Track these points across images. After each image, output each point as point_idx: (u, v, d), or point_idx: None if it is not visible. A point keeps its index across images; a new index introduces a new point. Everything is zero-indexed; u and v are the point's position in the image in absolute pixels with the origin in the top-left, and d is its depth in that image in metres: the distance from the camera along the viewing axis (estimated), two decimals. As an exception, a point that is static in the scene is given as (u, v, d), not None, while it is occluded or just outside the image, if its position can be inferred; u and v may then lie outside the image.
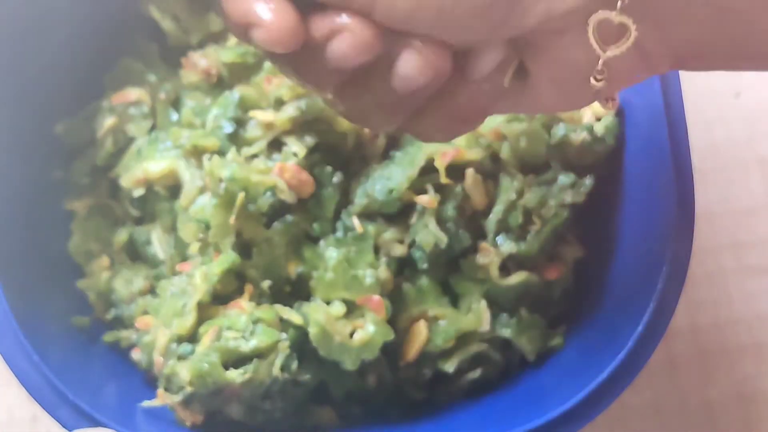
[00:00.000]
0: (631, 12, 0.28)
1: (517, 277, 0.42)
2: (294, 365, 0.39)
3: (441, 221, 0.41)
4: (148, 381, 0.43)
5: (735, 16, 0.29)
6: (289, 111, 0.41)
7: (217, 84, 0.44)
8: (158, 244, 0.44)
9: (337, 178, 0.41)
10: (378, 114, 0.32)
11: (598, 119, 0.42)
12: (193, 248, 0.41)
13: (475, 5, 0.28)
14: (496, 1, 0.28)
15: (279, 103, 0.42)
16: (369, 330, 0.39)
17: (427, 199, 0.41)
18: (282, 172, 0.40)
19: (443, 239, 0.40)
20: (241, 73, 0.44)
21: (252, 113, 0.42)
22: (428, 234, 0.41)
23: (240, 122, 0.42)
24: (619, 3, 0.28)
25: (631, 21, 0.28)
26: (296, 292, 0.41)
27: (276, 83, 0.42)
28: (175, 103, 0.45)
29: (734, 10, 0.28)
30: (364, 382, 0.42)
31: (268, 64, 0.43)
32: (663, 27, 0.29)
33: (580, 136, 0.42)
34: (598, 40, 0.29)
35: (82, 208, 0.45)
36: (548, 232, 0.42)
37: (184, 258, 0.42)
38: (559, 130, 0.42)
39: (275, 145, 0.42)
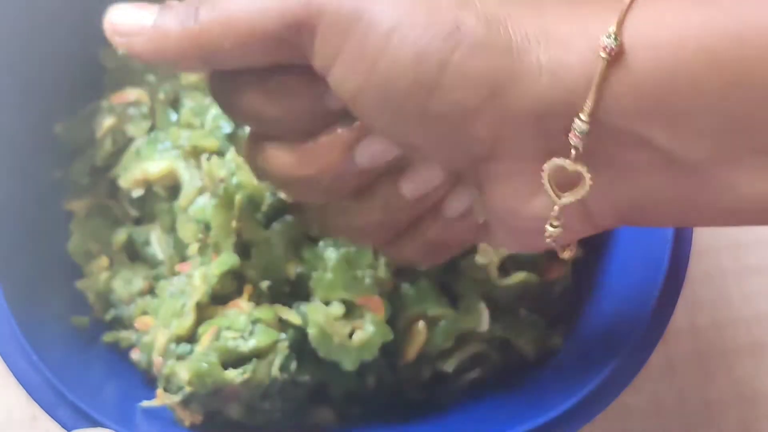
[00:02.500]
0: (586, 162, 0.28)
1: (516, 277, 0.42)
2: (293, 365, 0.39)
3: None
4: (148, 381, 0.43)
5: (687, 169, 0.27)
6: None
7: (217, 84, 0.44)
8: (157, 244, 0.44)
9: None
10: (360, 236, 0.35)
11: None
12: (193, 249, 0.41)
13: (423, 112, 0.28)
14: (444, 118, 0.28)
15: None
16: (368, 330, 0.39)
17: None
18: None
19: None
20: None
21: None
22: None
23: (239, 122, 0.42)
24: (573, 151, 0.27)
25: (586, 170, 0.28)
26: (295, 292, 0.41)
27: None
28: (174, 104, 0.45)
29: (686, 163, 0.27)
30: (363, 383, 0.42)
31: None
32: (612, 181, 0.28)
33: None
34: (554, 187, 0.29)
35: (81, 208, 0.45)
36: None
37: (184, 258, 0.42)
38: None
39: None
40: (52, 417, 0.38)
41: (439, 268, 0.42)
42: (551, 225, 0.29)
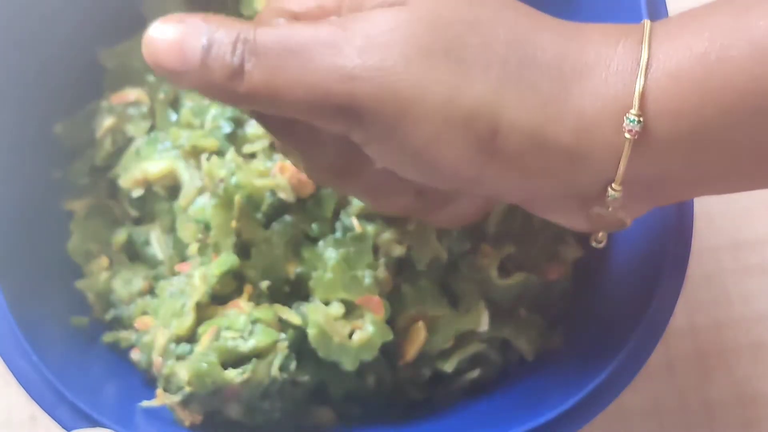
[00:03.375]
0: (622, 209, 0.31)
1: (516, 278, 0.42)
2: (293, 365, 0.39)
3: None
4: (148, 381, 0.43)
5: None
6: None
7: (216, 84, 0.44)
8: (157, 244, 0.44)
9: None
10: (407, 213, 0.37)
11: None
12: (192, 249, 0.41)
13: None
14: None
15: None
16: (368, 330, 0.39)
17: None
18: (282, 171, 0.40)
19: (444, 256, 0.41)
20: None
21: None
22: (427, 247, 0.41)
23: (239, 122, 0.42)
24: (609, 207, 0.30)
25: (623, 215, 0.31)
26: (295, 292, 0.41)
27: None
28: (174, 104, 0.45)
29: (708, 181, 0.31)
30: (363, 383, 0.42)
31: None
32: (649, 199, 0.32)
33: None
34: (594, 222, 0.32)
35: (81, 208, 0.45)
36: (547, 233, 0.42)
37: (183, 258, 0.42)
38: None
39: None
40: (52, 417, 0.38)
41: (439, 268, 0.42)
42: (596, 241, 0.33)
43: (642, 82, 0.28)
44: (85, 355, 0.43)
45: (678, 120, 0.28)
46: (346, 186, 0.35)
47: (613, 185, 0.29)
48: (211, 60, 0.29)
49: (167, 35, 0.29)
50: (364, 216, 0.41)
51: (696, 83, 0.28)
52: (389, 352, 0.41)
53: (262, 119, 0.34)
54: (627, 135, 0.28)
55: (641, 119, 0.28)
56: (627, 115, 0.28)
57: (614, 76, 0.28)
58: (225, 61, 0.28)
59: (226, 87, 0.29)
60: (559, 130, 0.28)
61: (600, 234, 0.32)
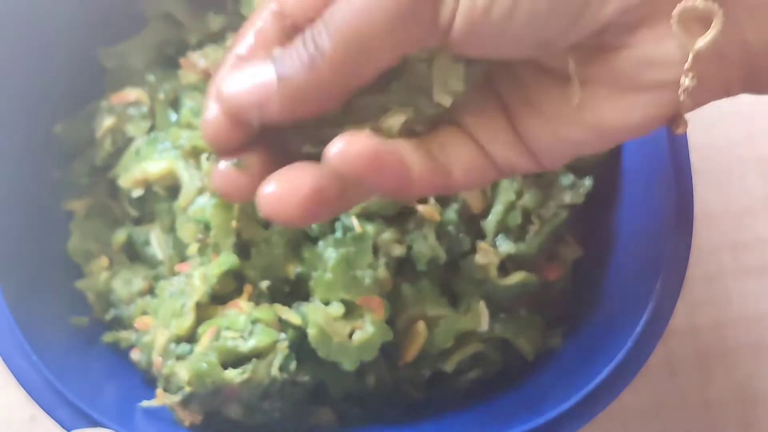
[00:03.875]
0: None
1: (515, 278, 0.42)
2: (293, 365, 0.39)
3: (442, 224, 0.41)
4: (147, 381, 0.43)
5: None
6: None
7: (216, 84, 0.44)
8: (157, 244, 0.44)
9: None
10: None
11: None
12: (192, 249, 0.41)
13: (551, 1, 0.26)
14: None
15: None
16: (368, 330, 0.39)
17: (429, 210, 0.41)
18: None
19: (442, 256, 0.41)
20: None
21: None
22: (427, 247, 0.41)
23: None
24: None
25: (717, 6, 0.26)
26: (295, 292, 0.41)
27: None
28: (174, 104, 0.45)
29: None
30: (363, 383, 0.42)
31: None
32: (743, 25, 0.27)
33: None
34: (684, 31, 0.27)
35: (80, 208, 0.45)
36: (547, 233, 0.42)
37: (183, 258, 0.42)
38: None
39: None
40: (52, 417, 0.38)
41: (439, 268, 0.42)
42: (687, 77, 0.27)
43: None
44: (85, 355, 0.43)
45: None
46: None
47: None
48: (283, 65, 0.28)
49: (233, 77, 0.29)
50: (364, 216, 0.41)
51: None
52: (389, 352, 0.41)
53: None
54: None
55: None
56: None
57: None
58: (294, 54, 0.28)
59: (314, 77, 0.27)
60: None
61: (687, 66, 0.27)
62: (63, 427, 0.38)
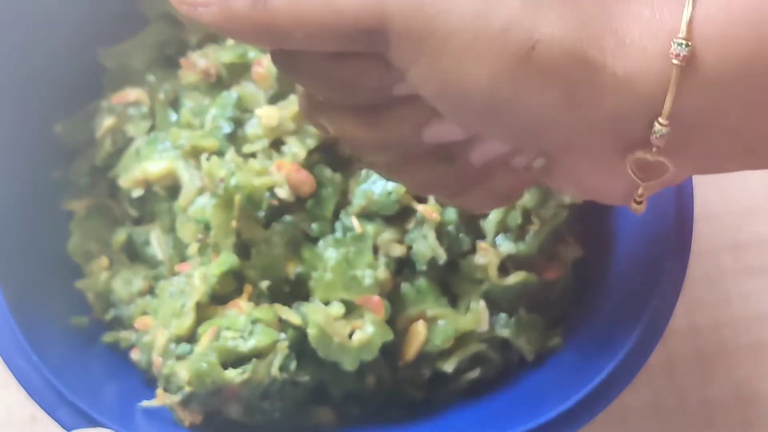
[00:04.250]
0: (667, 153, 0.28)
1: (515, 277, 0.42)
2: (293, 365, 0.39)
3: (442, 224, 0.41)
4: (148, 381, 0.43)
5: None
6: (292, 107, 0.42)
7: (216, 84, 0.44)
8: (157, 244, 0.44)
9: (336, 178, 0.41)
10: (425, 190, 0.35)
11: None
12: (192, 249, 0.41)
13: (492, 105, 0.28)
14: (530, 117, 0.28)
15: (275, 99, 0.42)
16: (368, 330, 0.39)
17: (428, 210, 0.41)
18: (279, 168, 0.40)
19: (442, 256, 0.41)
20: (240, 72, 0.44)
21: (257, 111, 0.42)
22: (427, 247, 0.41)
23: (238, 122, 0.42)
24: (654, 148, 0.28)
25: (668, 160, 0.28)
26: (295, 292, 0.41)
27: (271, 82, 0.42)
28: (174, 104, 0.45)
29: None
30: (363, 383, 0.42)
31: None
32: (692, 158, 0.29)
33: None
34: (636, 172, 0.29)
35: (81, 208, 0.45)
36: (547, 233, 0.42)
37: (183, 258, 0.42)
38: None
39: (275, 145, 0.42)
40: (52, 417, 0.38)
41: (439, 268, 0.42)
42: (635, 201, 0.30)
43: (690, 9, 0.26)
44: (85, 355, 0.43)
45: (728, 49, 0.26)
46: (374, 143, 0.32)
47: (660, 119, 0.27)
48: None
49: None
50: (364, 216, 0.41)
51: (748, 13, 0.26)
52: (389, 352, 0.41)
53: (282, 60, 0.31)
54: (675, 61, 0.26)
55: (689, 44, 0.26)
56: (674, 39, 0.26)
57: (659, 2, 0.27)
58: None
59: (249, 16, 0.27)
60: (600, 48, 0.27)
61: (640, 191, 0.30)
62: (63, 427, 0.38)
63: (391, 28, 0.27)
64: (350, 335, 0.39)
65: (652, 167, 0.29)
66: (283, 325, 0.39)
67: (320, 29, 0.27)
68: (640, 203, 0.30)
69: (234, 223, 0.40)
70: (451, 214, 0.41)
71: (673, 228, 0.39)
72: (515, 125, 0.28)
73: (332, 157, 0.42)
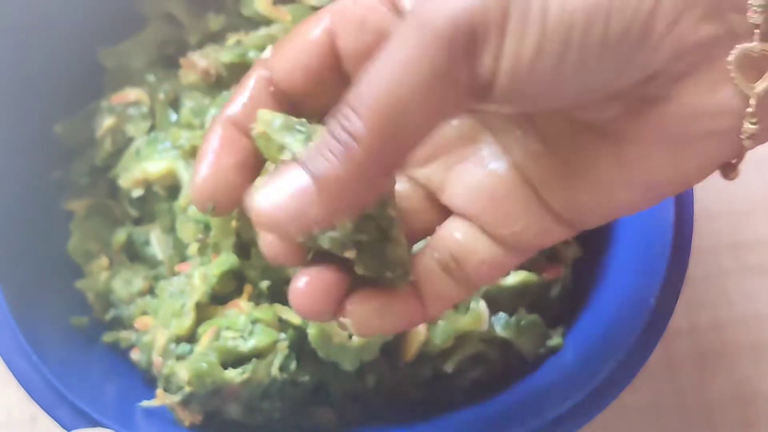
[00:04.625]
0: None
1: (515, 277, 0.42)
2: (293, 365, 0.39)
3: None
4: (147, 381, 0.43)
5: None
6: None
7: (216, 84, 0.44)
8: (157, 244, 0.44)
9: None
10: None
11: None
12: (192, 249, 0.41)
13: (605, 39, 0.24)
14: (627, 33, 0.24)
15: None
16: (368, 330, 0.39)
17: None
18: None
19: None
20: (240, 72, 0.43)
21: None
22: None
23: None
24: (757, 31, 0.25)
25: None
26: (295, 292, 0.41)
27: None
28: (174, 104, 0.45)
29: None
30: (363, 383, 0.42)
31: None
32: None
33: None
34: (742, 76, 0.25)
35: (80, 208, 0.45)
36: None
37: (183, 258, 0.42)
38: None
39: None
40: (52, 417, 0.38)
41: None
42: (750, 122, 0.26)
43: None
44: (85, 355, 0.43)
45: None
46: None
47: None
48: (314, 162, 0.25)
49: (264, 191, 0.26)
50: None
51: None
52: (389, 352, 0.41)
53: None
54: None
55: None
56: None
57: None
58: (324, 146, 0.25)
59: (353, 169, 0.24)
60: None
61: (747, 126, 0.25)
62: (63, 427, 0.38)
63: (484, 18, 0.24)
64: (350, 335, 0.39)
65: (756, 71, 0.25)
66: (283, 325, 0.39)
67: (424, 89, 0.24)
68: (754, 124, 0.26)
69: (234, 223, 0.40)
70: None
71: (673, 227, 0.39)
72: (621, 45, 0.25)
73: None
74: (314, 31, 0.28)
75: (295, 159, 0.26)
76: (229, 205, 0.29)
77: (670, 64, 0.25)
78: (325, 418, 0.42)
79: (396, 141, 0.24)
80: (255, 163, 0.29)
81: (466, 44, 0.24)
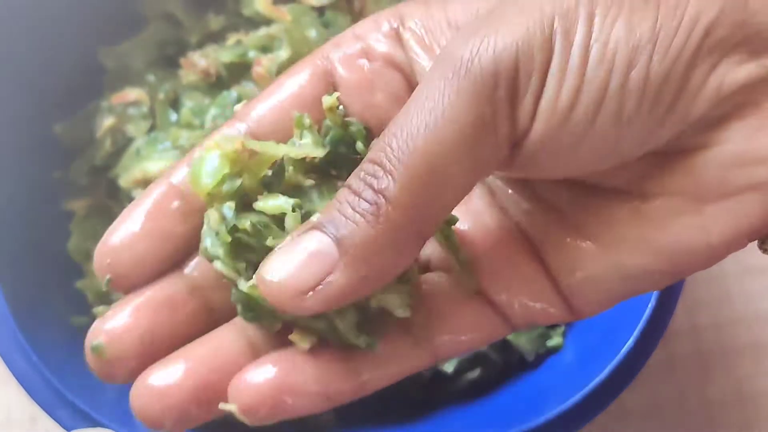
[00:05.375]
0: None
1: (516, 277, 0.42)
2: (293, 365, 0.39)
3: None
4: (147, 381, 0.43)
5: None
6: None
7: (216, 84, 0.44)
8: (157, 244, 0.44)
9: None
10: None
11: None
12: (192, 248, 0.41)
13: (645, 83, 0.22)
14: (669, 75, 0.22)
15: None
16: (368, 330, 0.39)
17: None
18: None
19: None
20: (240, 72, 0.43)
21: None
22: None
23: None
24: None
25: None
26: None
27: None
28: (174, 104, 0.45)
29: None
30: (363, 383, 0.42)
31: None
32: None
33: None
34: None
35: (81, 208, 0.45)
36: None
37: (183, 258, 0.42)
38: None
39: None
40: (52, 417, 0.38)
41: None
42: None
43: None
44: (85, 355, 0.43)
45: None
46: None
47: None
48: (339, 226, 0.23)
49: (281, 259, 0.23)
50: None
51: None
52: (389, 352, 0.41)
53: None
54: None
55: None
56: None
57: None
58: (347, 207, 0.23)
59: (388, 230, 0.22)
60: None
61: None
62: (63, 427, 0.38)
63: (516, 70, 0.22)
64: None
65: None
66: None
67: (457, 144, 0.22)
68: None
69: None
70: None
71: (673, 228, 0.39)
72: (666, 87, 0.22)
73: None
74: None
75: (308, 226, 0.23)
76: (131, 287, 0.26)
77: (710, 110, 0.23)
78: (325, 418, 0.42)
79: (434, 200, 0.22)
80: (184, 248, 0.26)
81: (508, 89, 0.22)
